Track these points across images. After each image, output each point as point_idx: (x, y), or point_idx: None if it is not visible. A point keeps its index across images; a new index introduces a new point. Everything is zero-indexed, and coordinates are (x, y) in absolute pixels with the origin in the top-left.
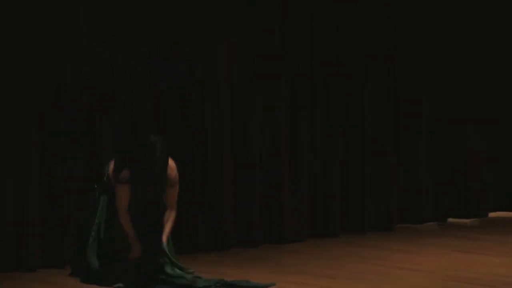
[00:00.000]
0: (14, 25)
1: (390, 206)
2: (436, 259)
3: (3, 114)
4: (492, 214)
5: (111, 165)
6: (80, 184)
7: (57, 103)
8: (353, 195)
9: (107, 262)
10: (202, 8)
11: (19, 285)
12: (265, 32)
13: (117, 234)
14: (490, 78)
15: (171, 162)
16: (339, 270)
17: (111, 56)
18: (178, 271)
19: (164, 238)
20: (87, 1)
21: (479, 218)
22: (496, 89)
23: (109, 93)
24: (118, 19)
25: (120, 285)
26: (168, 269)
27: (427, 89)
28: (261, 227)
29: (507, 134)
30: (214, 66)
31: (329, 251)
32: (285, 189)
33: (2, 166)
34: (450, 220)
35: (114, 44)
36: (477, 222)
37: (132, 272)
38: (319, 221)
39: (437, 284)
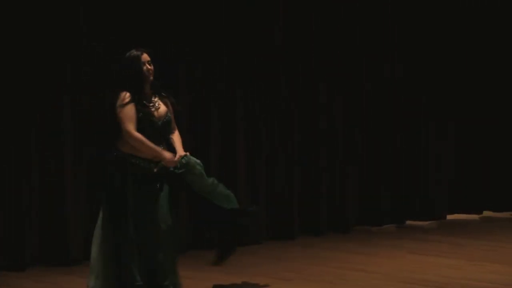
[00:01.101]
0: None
1: (348, 208)
2: (393, 261)
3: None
4: (449, 217)
5: None
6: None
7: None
8: (311, 197)
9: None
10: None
11: None
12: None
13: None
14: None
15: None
16: (296, 272)
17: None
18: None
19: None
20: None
21: (437, 221)
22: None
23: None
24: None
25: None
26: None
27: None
28: None
29: (468, 138)
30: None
31: (287, 253)
32: (243, 190)
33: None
34: (408, 222)
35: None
36: (435, 225)
37: None
38: (277, 223)
39: (393, 286)
